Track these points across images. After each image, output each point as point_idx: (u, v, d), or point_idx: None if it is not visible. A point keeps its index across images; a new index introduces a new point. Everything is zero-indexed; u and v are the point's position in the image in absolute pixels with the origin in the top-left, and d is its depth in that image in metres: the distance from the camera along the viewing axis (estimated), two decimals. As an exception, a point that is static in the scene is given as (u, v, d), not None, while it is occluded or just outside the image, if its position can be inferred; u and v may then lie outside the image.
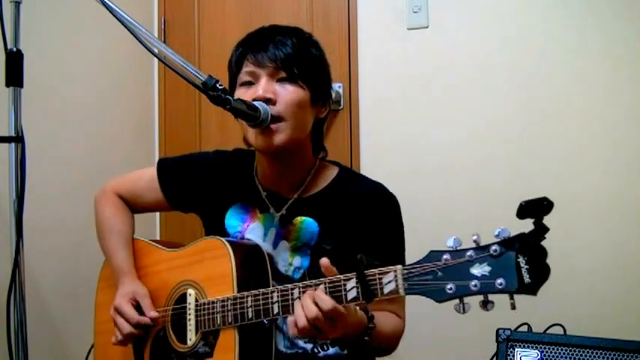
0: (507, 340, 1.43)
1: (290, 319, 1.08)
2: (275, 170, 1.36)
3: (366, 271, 1.02)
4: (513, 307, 0.89)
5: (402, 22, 2.17)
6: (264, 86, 1.24)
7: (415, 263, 0.97)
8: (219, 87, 1.17)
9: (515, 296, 0.88)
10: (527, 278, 0.87)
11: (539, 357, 1.40)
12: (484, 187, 2.05)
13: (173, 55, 1.24)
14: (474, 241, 0.92)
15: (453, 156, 2.09)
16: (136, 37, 1.19)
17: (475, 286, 0.90)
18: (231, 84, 1.34)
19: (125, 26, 1.19)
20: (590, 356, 1.37)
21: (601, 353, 1.36)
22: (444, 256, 0.94)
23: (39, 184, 1.60)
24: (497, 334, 1.45)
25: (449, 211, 2.07)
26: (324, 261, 1.07)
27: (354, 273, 1.03)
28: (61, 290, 1.90)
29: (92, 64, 2.11)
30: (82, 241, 1.98)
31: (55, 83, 1.94)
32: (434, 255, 0.95)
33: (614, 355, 1.35)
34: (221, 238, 1.27)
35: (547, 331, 1.53)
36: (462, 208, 2.06)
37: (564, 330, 1.54)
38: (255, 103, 1.22)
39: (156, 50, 1.22)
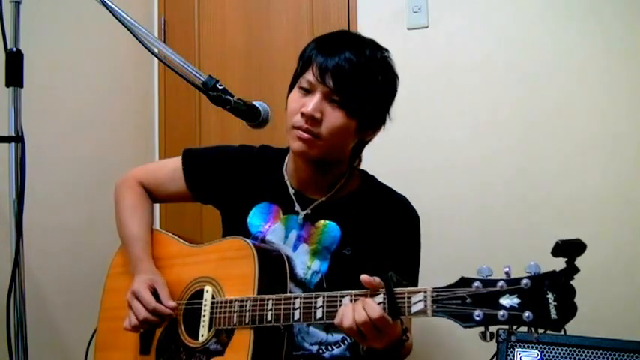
0: (507, 340, 1.43)
1: (338, 312, 1.08)
2: (307, 172, 1.37)
3: (395, 289, 1.03)
4: (537, 340, 0.93)
5: (402, 22, 2.17)
6: (314, 105, 1.24)
7: (446, 286, 0.99)
8: (219, 87, 1.17)
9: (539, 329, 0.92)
10: (553, 314, 0.91)
11: (539, 357, 1.40)
12: (484, 187, 2.05)
13: (173, 55, 1.24)
14: (506, 273, 0.95)
15: (454, 155, 2.09)
16: (136, 37, 1.19)
17: (503, 316, 0.93)
18: (294, 79, 1.34)
19: (125, 26, 1.19)
20: (590, 356, 1.37)
21: (601, 353, 1.36)
22: (475, 284, 0.96)
23: (39, 184, 1.60)
24: (498, 334, 1.45)
25: (449, 211, 2.07)
26: (366, 278, 1.06)
27: (383, 289, 1.05)
28: (61, 290, 1.90)
29: (92, 64, 2.11)
30: (83, 241, 1.99)
31: (55, 83, 1.94)
32: (465, 281, 0.98)
33: (614, 355, 1.35)
34: (246, 239, 1.28)
35: (547, 331, 1.53)
36: (463, 208, 2.06)
37: (564, 330, 1.54)
38: (255, 102, 1.23)
39: (156, 50, 1.22)
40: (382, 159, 2.17)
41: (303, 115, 1.24)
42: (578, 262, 0.92)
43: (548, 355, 1.40)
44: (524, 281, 0.93)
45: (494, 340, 1.47)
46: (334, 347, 1.33)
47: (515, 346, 1.42)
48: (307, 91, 1.27)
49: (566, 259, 0.91)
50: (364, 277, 1.06)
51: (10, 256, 1.25)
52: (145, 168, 1.54)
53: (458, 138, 2.09)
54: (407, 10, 2.16)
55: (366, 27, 2.22)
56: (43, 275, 1.83)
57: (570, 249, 0.91)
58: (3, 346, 1.26)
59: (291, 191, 1.38)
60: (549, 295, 0.91)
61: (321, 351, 1.32)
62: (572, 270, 0.91)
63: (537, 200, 1.98)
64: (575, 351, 1.38)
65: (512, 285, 0.93)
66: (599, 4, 1.98)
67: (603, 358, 1.36)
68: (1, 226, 1.37)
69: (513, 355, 1.42)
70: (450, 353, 2.05)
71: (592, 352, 1.37)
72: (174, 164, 1.48)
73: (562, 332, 0.91)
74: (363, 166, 2.08)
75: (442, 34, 2.13)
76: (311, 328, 1.32)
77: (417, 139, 2.14)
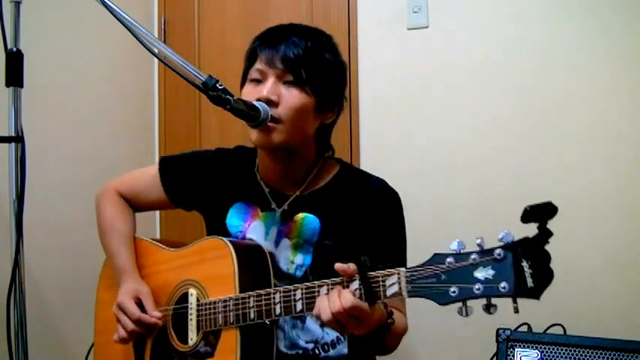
0: (507, 340, 1.43)
1: (315, 305, 1.07)
2: (277, 167, 1.36)
3: (369, 273, 1.02)
4: (516, 310, 0.89)
5: (402, 22, 2.17)
6: (269, 87, 1.24)
7: (419, 266, 0.97)
8: (219, 87, 1.17)
9: (518, 299, 0.88)
10: (530, 282, 0.87)
11: (539, 357, 1.40)
12: (484, 187, 2.05)
13: (173, 55, 1.23)
14: (478, 245, 0.92)
15: (453, 156, 2.09)
16: (136, 37, 1.19)
17: (479, 289, 0.90)
18: (243, 76, 1.34)
19: (125, 26, 1.19)
20: (590, 356, 1.37)
21: (601, 353, 1.36)
22: (448, 259, 0.94)
23: (39, 184, 1.60)
24: (498, 334, 1.46)
25: (449, 211, 2.07)
26: (339, 266, 1.05)
27: (358, 274, 1.03)
28: (61, 290, 1.90)
29: (92, 64, 2.11)
30: (83, 240, 1.98)
31: (55, 83, 1.94)
32: (438, 258, 0.95)
33: (614, 355, 1.35)
34: (223, 239, 1.27)
35: (547, 331, 1.53)
36: (463, 208, 2.06)
37: (564, 330, 1.54)
38: (255, 103, 1.22)
39: (156, 50, 1.22)
40: (382, 159, 2.18)
41: (259, 101, 1.23)
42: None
43: (548, 355, 1.40)
44: (497, 251, 0.89)
45: (495, 339, 1.47)
46: (330, 348, 1.33)
47: (515, 346, 1.42)
48: (259, 82, 1.28)
49: (537, 224, 0.87)
50: (338, 265, 1.04)
51: (10, 256, 1.25)
52: (124, 177, 1.54)
53: (457, 138, 2.09)
54: (407, 10, 2.16)
55: (366, 27, 2.22)
56: (43, 275, 1.83)
57: (540, 213, 0.87)
58: (3, 346, 1.26)
59: (266, 190, 1.38)
60: (524, 263, 0.87)
61: (317, 350, 1.32)
62: (545, 234, 0.87)
63: (537, 200, 1.98)
64: (575, 351, 1.38)
65: (486, 257, 0.90)
66: (599, 4, 1.98)
67: (603, 358, 1.36)
68: (1, 226, 1.37)
69: (513, 355, 1.42)
70: (449, 353, 2.05)
71: (592, 352, 1.37)
72: (152, 172, 1.48)
73: (538, 299, 0.87)
74: (361, 166, 2.08)
75: (442, 34, 2.13)
76: (306, 324, 1.32)
77: (416, 139, 2.14)
